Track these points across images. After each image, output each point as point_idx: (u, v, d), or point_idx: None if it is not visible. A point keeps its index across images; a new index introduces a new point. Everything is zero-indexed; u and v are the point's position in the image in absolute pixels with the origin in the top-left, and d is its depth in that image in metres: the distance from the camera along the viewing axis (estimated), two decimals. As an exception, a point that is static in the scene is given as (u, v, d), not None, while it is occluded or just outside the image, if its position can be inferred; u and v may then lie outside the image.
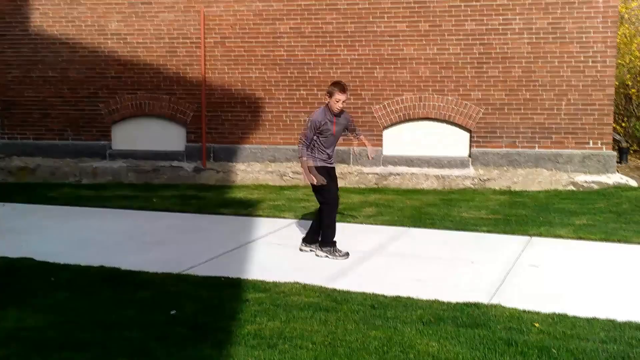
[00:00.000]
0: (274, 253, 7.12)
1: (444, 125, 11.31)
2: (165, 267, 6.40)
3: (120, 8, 12.13)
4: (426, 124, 11.39)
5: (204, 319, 4.97)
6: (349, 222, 8.51)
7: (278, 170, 11.64)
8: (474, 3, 10.90)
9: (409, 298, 5.46)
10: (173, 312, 5.11)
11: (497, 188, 10.79)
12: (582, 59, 10.68)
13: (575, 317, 4.98)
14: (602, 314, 5.04)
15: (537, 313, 5.07)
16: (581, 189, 10.52)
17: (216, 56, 11.91)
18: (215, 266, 6.56)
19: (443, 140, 11.34)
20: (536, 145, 10.95)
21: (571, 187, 10.61)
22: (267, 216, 8.96)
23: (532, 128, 10.94)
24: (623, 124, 14.49)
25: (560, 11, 10.67)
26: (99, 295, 5.54)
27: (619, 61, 13.38)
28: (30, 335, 4.62)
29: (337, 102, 6.78)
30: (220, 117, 12.03)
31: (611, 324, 4.85)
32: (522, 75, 10.88)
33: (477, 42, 10.96)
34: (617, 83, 12.66)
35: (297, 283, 5.86)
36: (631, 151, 13.81)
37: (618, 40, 12.41)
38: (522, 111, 10.94)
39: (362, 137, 7.34)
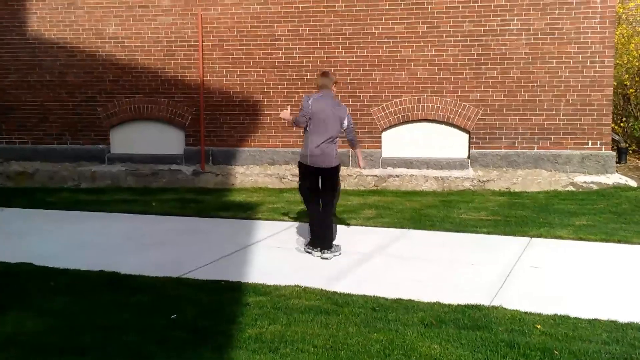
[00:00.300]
0: (274, 256, 7.09)
1: (443, 126, 11.31)
2: (164, 271, 6.38)
3: (117, 12, 12.11)
4: (425, 126, 11.38)
5: (204, 322, 4.95)
6: (349, 224, 8.49)
7: (277, 172, 11.62)
8: (472, 4, 10.90)
9: (409, 300, 5.44)
10: (173, 316, 5.08)
11: (496, 189, 10.78)
12: (580, 59, 10.69)
13: (577, 319, 4.97)
14: (604, 315, 5.03)
15: (539, 314, 5.06)
16: (580, 190, 10.51)
17: (214, 59, 11.90)
18: (215, 269, 6.54)
19: (442, 142, 11.34)
20: (535, 146, 10.95)
21: (570, 188, 10.60)
22: (267, 219, 8.94)
23: (531, 129, 10.94)
24: (622, 124, 14.50)
25: (558, 12, 10.67)
26: (99, 300, 5.52)
27: (617, 61, 13.39)
28: (30, 340, 4.60)
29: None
30: (218, 120, 12.02)
31: (613, 325, 4.84)
32: (520, 76, 10.88)
33: (475, 43, 10.96)
34: (615, 83, 12.66)
35: (298, 286, 5.84)
36: (630, 151, 13.81)
37: (616, 41, 12.42)
38: (521, 112, 10.94)
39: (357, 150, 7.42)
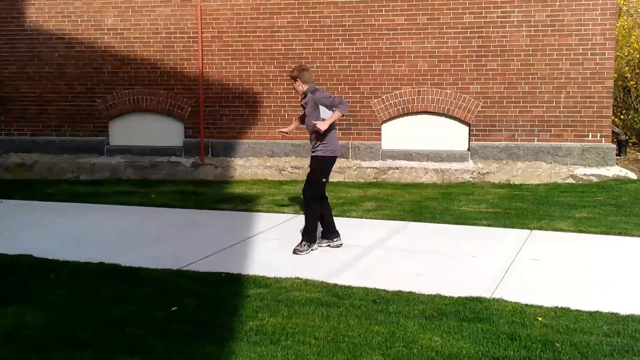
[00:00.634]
0: (274, 248, 7.08)
1: (443, 118, 11.29)
2: (164, 263, 6.36)
3: (116, 3, 12.06)
4: (425, 118, 11.36)
5: (205, 315, 4.94)
6: (348, 216, 8.48)
7: (277, 165, 11.60)
8: (473, -4, 10.87)
9: (410, 292, 5.44)
10: (174, 308, 5.08)
11: (496, 181, 10.77)
12: (580, 51, 10.66)
13: (577, 311, 4.97)
14: (605, 307, 5.03)
15: (540, 307, 5.05)
16: (580, 182, 10.50)
17: (213, 51, 11.86)
18: (215, 262, 6.53)
19: (442, 134, 11.32)
20: (535, 138, 10.94)
21: (570, 180, 10.59)
22: (267, 211, 8.93)
23: (531, 121, 10.92)
24: (622, 117, 14.48)
25: (558, 3, 10.63)
26: (99, 292, 5.50)
27: (618, 53, 13.36)
28: (30, 333, 4.59)
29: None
30: (218, 112, 11.99)
31: (614, 317, 4.84)
32: (520, 68, 10.85)
33: (476, 35, 10.92)
34: (615, 75, 12.63)
35: (299, 278, 5.84)
36: (630, 144, 13.79)
37: (617, 33, 12.39)
38: (521, 104, 10.92)
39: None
